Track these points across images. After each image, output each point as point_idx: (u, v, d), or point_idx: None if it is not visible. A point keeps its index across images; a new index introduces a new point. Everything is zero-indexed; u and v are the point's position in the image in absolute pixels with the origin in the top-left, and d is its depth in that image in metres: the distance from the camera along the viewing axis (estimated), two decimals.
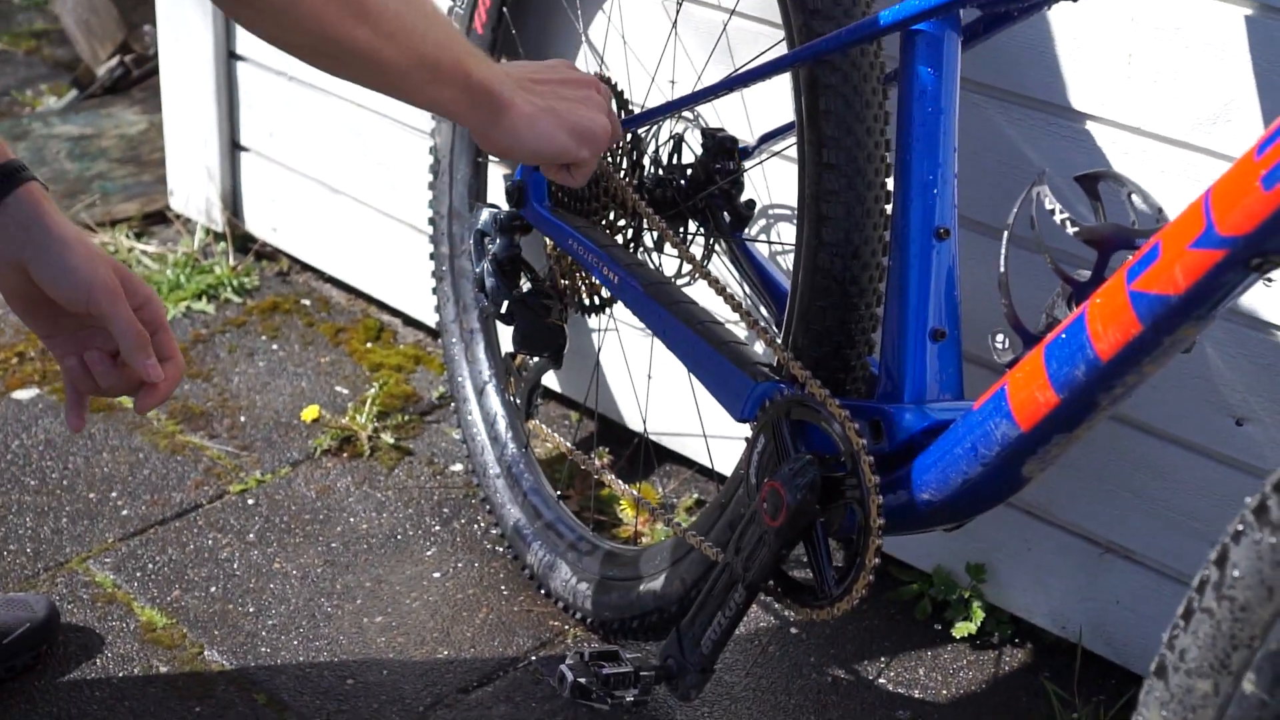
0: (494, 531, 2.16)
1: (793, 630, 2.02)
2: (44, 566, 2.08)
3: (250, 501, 2.23)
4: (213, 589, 2.05)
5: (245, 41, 2.70)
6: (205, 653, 1.95)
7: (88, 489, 2.23)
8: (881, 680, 1.95)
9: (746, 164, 1.89)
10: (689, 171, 1.89)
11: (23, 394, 2.45)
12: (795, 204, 1.99)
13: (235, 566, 2.10)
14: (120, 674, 1.90)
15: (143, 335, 1.36)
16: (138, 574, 2.07)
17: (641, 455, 2.27)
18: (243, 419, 2.41)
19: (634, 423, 2.31)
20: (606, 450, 2.25)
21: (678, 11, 2.00)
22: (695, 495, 2.25)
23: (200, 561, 2.10)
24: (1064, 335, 1.31)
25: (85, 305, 1.34)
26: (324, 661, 1.94)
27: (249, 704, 1.87)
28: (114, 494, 2.23)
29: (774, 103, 1.97)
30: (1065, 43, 1.73)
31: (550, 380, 2.40)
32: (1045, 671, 1.95)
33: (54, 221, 1.35)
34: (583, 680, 1.62)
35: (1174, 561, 1.82)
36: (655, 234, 1.91)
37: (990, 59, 1.76)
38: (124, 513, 2.19)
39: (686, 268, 1.93)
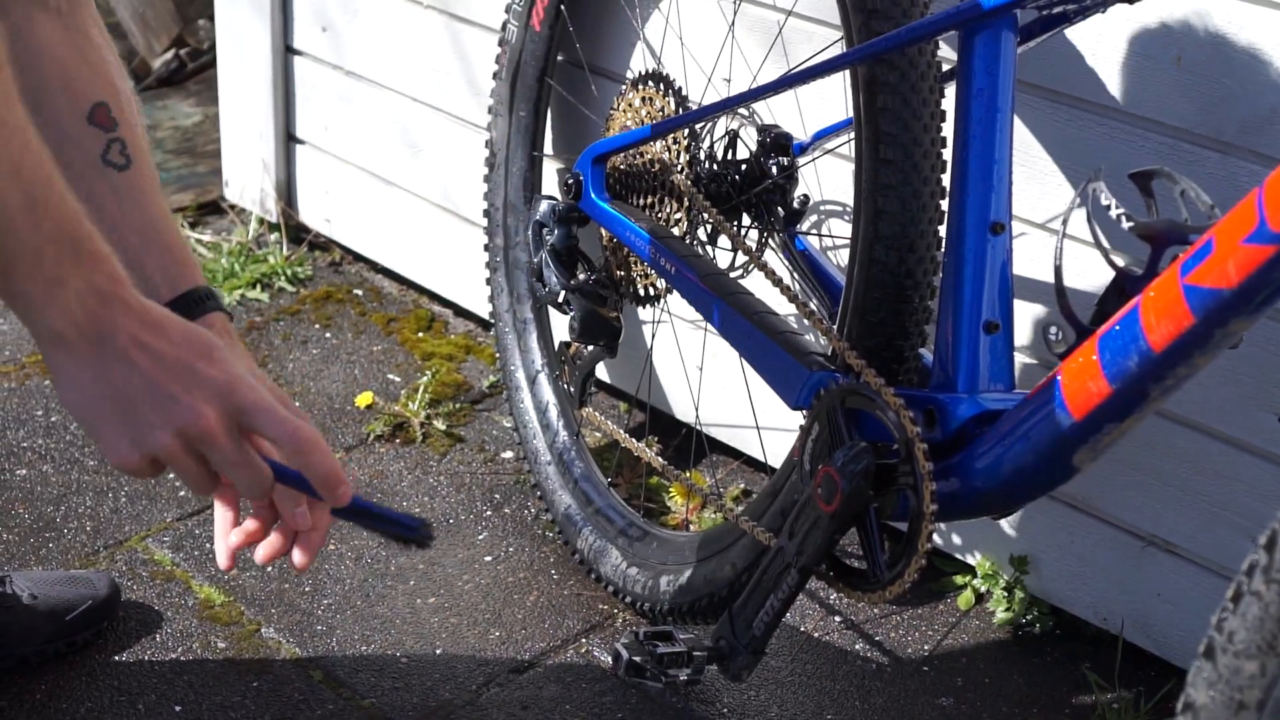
0: (545, 517, 2.20)
1: (836, 619, 2.06)
2: (104, 544, 2.12)
3: None
4: (269, 568, 2.10)
5: (302, 36, 2.75)
6: (262, 630, 1.99)
7: None
8: (925, 668, 1.98)
9: (800, 160, 1.93)
10: (744, 167, 1.93)
11: None
12: (847, 200, 2.04)
13: None
14: (179, 649, 1.95)
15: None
16: (195, 552, 2.12)
17: (693, 445, 2.31)
18: (297, 404, 2.44)
19: (681, 413, 2.35)
20: (655, 439, 2.29)
21: (735, 12, 2.04)
22: (742, 485, 2.29)
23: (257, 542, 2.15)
24: (1118, 327, 1.35)
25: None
26: (378, 640, 1.98)
27: (305, 680, 1.91)
28: (171, 475, 2.27)
29: (826, 101, 2.01)
30: (1116, 45, 1.76)
31: (599, 371, 2.44)
32: (1086, 662, 1.99)
33: (239, 355, 1.33)
34: (638, 659, 1.66)
35: (1215, 555, 1.86)
36: (709, 227, 1.96)
37: (1042, 59, 1.80)
38: (181, 493, 2.24)
39: (741, 260, 1.97)
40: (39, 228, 1.05)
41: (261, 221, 2.93)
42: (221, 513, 1.33)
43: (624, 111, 2.03)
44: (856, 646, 2.02)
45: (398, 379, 2.54)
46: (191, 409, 1.11)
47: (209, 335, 1.15)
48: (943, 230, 1.62)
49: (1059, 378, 1.42)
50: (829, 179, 2.05)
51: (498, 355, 2.29)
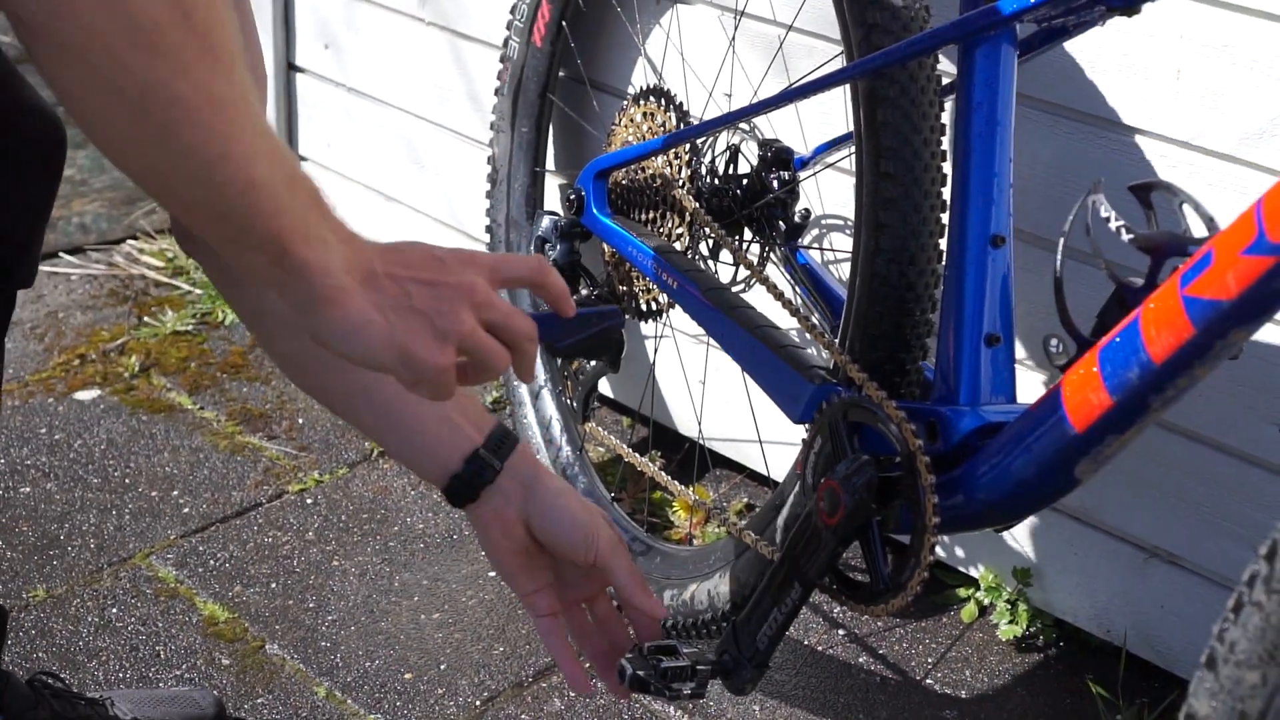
0: None
1: (840, 632, 2.06)
2: (108, 561, 2.13)
3: (309, 501, 2.28)
4: (273, 585, 2.10)
5: (305, 53, 2.76)
6: (267, 646, 1.99)
7: (149, 487, 2.29)
8: (929, 681, 1.99)
9: (802, 174, 1.94)
10: (745, 181, 1.93)
11: (84, 395, 2.51)
12: (848, 214, 2.05)
13: (295, 563, 2.15)
14: (183, 666, 1.95)
15: (640, 577, 1.40)
16: (200, 570, 2.13)
17: (696, 460, 2.31)
18: (300, 421, 2.47)
19: (684, 427, 2.36)
20: (659, 454, 2.30)
21: (736, 27, 2.05)
22: (745, 499, 2.30)
23: (261, 558, 2.15)
24: (1118, 339, 1.35)
25: (585, 553, 1.37)
26: (383, 656, 1.99)
27: (310, 696, 1.91)
28: (175, 492, 2.28)
29: (827, 115, 2.01)
30: (1115, 58, 1.77)
31: (602, 386, 2.45)
32: (1090, 674, 1.99)
33: (548, 474, 1.39)
34: (641, 673, 1.65)
35: (1218, 566, 1.86)
36: (711, 242, 1.96)
37: (1042, 72, 1.81)
38: (185, 510, 2.25)
39: (743, 274, 1.97)
40: (298, 198, 1.08)
41: None
42: (552, 635, 1.43)
43: (625, 127, 2.04)
44: (860, 660, 2.02)
45: None
46: (468, 282, 1.16)
47: (410, 252, 1.19)
48: (943, 243, 1.62)
49: (1060, 390, 1.42)
50: (830, 193, 2.06)
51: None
